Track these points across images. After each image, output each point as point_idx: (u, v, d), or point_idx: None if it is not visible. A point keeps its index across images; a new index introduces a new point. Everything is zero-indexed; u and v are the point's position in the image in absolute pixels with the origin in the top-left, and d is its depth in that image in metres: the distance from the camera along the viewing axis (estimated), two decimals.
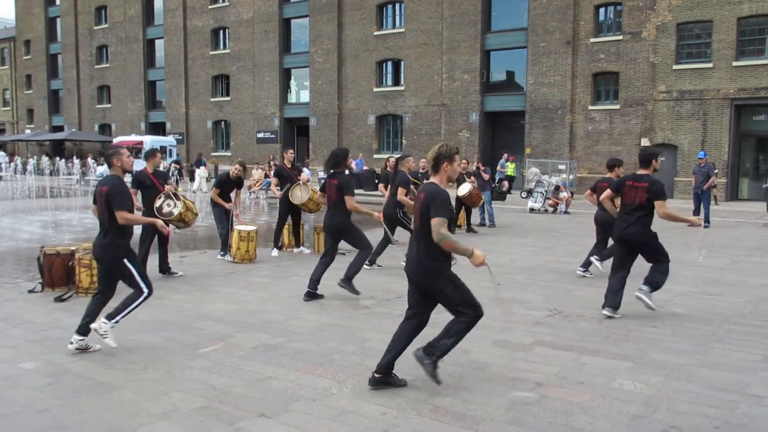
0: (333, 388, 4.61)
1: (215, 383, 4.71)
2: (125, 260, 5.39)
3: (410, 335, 4.64)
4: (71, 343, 5.39)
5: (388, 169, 12.48)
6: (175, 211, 8.61)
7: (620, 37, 25.83)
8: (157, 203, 8.59)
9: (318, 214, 13.55)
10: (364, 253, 7.55)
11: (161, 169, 9.18)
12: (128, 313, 5.42)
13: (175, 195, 8.77)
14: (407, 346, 4.62)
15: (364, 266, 9.06)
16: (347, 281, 7.45)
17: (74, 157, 37.63)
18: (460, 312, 4.48)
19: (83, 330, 5.38)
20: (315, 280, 7.43)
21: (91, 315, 5.37)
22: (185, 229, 9.40)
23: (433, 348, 4.52)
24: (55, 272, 7.69)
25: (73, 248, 7.96)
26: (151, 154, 8.73)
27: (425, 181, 4.93)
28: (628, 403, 4.35)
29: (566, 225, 15.89)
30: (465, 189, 13.45)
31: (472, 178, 13.98)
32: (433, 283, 4.48)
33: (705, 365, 5.14)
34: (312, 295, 7.42)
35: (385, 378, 4.61)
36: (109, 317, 5.34)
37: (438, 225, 4.30)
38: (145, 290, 5.42)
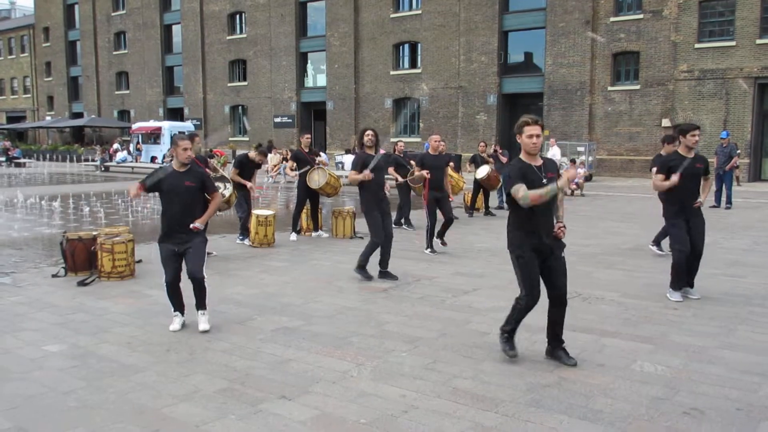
0: (352, 371, 4.64)
1: (236, 365, 4.76)
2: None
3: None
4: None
5: (396, 152, 12.72)
6: (227, 193, 9.03)
7: (641, 16, 25.36)
8: None
9: (335, 198, 13.64)
10: (372, 241, 7.60)
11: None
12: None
13: (224, 178, 9.21)
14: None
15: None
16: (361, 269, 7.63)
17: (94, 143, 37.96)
18: (521, 290, 4.75)
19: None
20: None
21: None
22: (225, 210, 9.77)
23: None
24: (78, 257, 7.79)
25: (95, 233, 8.06)
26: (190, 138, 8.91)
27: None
28: (648, 385, 4.33)
29: (585, 207, 15.76)
30: (483, 172, 13.65)
31: (491, 160, 14.14)
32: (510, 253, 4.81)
33: (727, 347, 5.10)
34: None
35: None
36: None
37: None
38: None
